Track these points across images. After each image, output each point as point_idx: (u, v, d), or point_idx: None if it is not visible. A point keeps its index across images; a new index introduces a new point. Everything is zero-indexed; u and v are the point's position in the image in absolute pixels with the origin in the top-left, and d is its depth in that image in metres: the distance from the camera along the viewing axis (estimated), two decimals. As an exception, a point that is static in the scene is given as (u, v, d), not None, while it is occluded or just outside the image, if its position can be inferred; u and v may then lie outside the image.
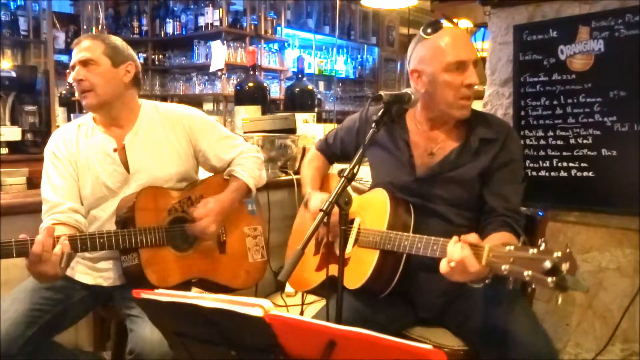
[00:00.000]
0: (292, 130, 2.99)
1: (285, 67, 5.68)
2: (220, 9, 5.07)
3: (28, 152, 4.19)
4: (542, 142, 2.13)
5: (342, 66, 6.82)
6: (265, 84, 3.68)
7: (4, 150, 4.12)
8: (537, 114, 2.14)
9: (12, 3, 4.52)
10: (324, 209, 1.29)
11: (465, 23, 3.53)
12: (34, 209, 1.81)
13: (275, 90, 5.55)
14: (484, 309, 1.54)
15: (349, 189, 1.35)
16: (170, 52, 5.72)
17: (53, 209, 1.72)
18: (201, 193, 1.89)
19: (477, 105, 1.79)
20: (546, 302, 2.21)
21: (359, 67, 7.15)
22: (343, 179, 1.33)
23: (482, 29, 3.23)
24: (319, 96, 6.15)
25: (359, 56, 7.22)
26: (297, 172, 2.68)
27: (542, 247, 1.13)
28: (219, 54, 4.98)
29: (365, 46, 7.21)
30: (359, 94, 7.11)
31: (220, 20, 5.08)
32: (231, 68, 5.23)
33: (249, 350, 0.96)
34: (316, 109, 4.08)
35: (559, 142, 2.09)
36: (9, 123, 4.27)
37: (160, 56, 5.72)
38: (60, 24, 5.07)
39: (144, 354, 1.55)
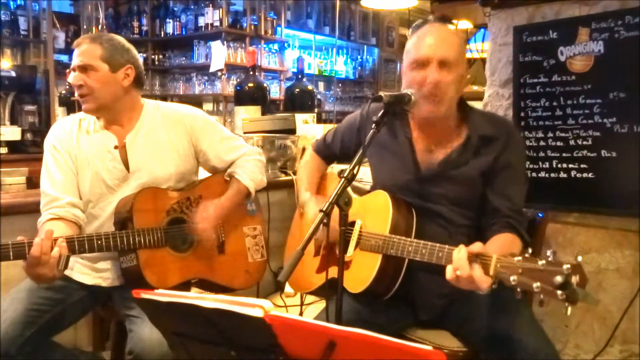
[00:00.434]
0: (292, 131, 2.98)
1: (285, 68, 5.68)
2: (221, 9, 5.07)
3: (27, 151, 4.19)
4: (542, 143, 2.13)
5: (342, 67, 6.82)
6: (265, 85, 3.68)
7: (4, 150, 4.12)
8: (536, 115, 2.14)
9: (12, 3, 4.52)
10: (324, 209, 1.29)
11: (465, 24, 3.53)
12: (34, 209, 1.80)
13: (275, 91, 5.55)
14: (484, 311, 1.53)
15: (349, 189, 1.35)
16: (170, 52, 5.72)
17: (51, 203, 1.72)
18: (200, 194, 1.89)
19: (477, 106, 1.79)
20: (546, 304, 2.21)
21: (359, 68, 7.15)
22: (343, 179, 1.32)
23: (482, 30, 3.23)
24: (318, 97, 6.15)
25: (359, 57, 7.22)
26: (296, 173, 2.68)
27: (551, 258, 1.12)
28: (219, 54, 4.98)
29: (365, 47, 7.22)
30: (359, 94, 7.11)
31: (220, 21, 5.08)
32: (231, 68, 5.23)
33: (249, 351, 0.96)
34: (316, 110, 4.07)
35: (558, 143, 2.10)
36: (9, 123, 4.27)
37: (160, 56, 5.71)
38: (60, 23, 5.07)
39: (143, 354, 1.55)
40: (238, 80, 4.88)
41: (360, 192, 1.82)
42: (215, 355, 1.01)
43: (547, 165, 2.12)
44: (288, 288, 2.63)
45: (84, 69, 1.74)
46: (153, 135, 1.86)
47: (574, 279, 1.07)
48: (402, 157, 1.69)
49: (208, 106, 5.65)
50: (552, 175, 2.11)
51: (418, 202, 1.63)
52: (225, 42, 5.02)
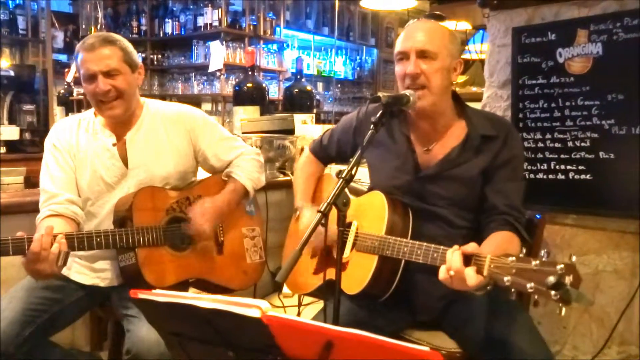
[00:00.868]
0: (291, 131, 2.99)
1: (284, 68, 5.68)
2: (220, 9, 5.07)
3: (26, 151, 4.19)
4: (540, 144, 2.13)
5: (340, 67, 6.83)
6: (263, 85, 3.68)
7: (2, 150, 4.12)
8: (535, 117, 2.14)
9: (10, 2, 4.53)
10: (322, 210, 1.29)
11: (464, 25, 3.54)
12: (32, 209, 1.80)
13: (274, 91, 5.55)
14: (482, 314, 1.53)
15: (346, 190, 1.35)
16: (169, 52, 5.71)
17: (50, 200, 1.72)
18: (199, 193, 1.89)
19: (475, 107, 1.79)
20: (543, 306, 2.20)
21: (358, 68, 7.15)
22: (341, 180, 1.32)
23: (481, 31, 3.24)
24: (317, 97, 6.15)
25: (358, 57, 7.22)
26: (294, 173, 2.68)
27: (545, 258, 1.12)
28: (217, 54, 4.98)
29: (364, 47, 7.22)
30: (358, 95, 7.11)
31: (220, 21, 5.08)
32: (230, 68, 5.22)
33: (247, 351, 0.96)
34: (315, 110, 4.08)
35: (557, 145, 2.10)
36: (7, 122, 4.27)
37: (159, 56, 5.71)
38: (59, 23, 5.07)
39: (141, 354, 1.55)
40: (237, 80, 4.88)
41: (357, 192, 1.82)
42: (213, 356, 1.01)
43: (545, 166, 2.13)
44: (286, 288, 2.63)
45: (108, 74, 1.72)
46: (153, 133, 1.86)
47: (568, 280, 1.07)
48: (400, 157, 1.68)
49: (207, 106, 5.65)
50: (550, 176, 2.12)
51: (416, 203, 1.63)
52: (224, 42, 5.02)
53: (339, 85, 6.87)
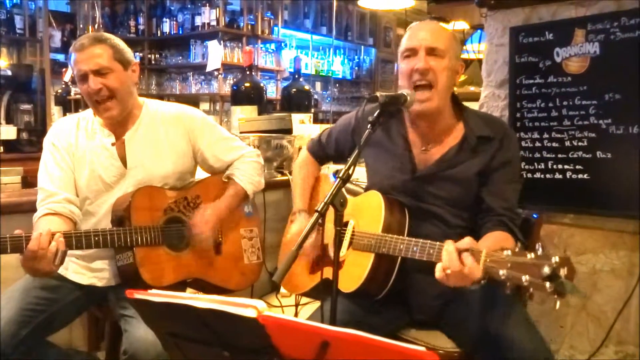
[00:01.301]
0: (289, 131, 2.98)
1: (282, 68, 5.67)
2: (217, 9, 5.07)
3: (23, 150, 4.19)
4: (538, 144, 2.13)
5: (339, 67, 6.83)
6: (261, 84, 3.68)
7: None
8: (532, 116, 2.14)
9: (8, 1, 4.52)
10: (319, 209, 1.29)
11: (461, 25, 3.54)
12: (29, 209, 1.80)
13: (272, 91, 5.55)
14: (480, 312, 1.54)
15: (343, 190, 1.35)
16: (167, 52, 5.71)
17: (48, 198, 1.72)
18: (197, 193, 1.89)
19: (473, 107, 1.79)
20: (541, 304, 2.21)
21: (356, 68, 7.16)
22: (338, 179, 1.32)
23: (479, 30, 3.24)
24: (315, 97, 6.15)
25: (356, 57, 7.23)
26: (292, 173, 2.68)
27: (540, 252, 1.12)
28: (215, 53, 4.98)
29: (362, 47, 7.22)
30: (356, 94, 7.12)
31: (217, 20, 5.07)
32: (228, 68, 5.22)
33: (243, 351, 0.96)
34: (313, 110, 4.08)
35: (554, 145, 2.10)
36: (4, 122, 4.26)
37: (157, 55, 5.71)
38: (57, 22, 5.07)
39: (138, 355, 1.55)
40: (235, 79, 4.88)
41: (354, 193, 1.82)
42: (209, 356, 1.01)
43: (542, 166, 2.13)
44: (284, 288, 2.63)
45: (99, 72, 1.71)
46: (152, 133, 1.86)
47: (562, 272, 1.08)
48: (398, 156, 1.69)
49: (205, 106, 5.65)
50: (548, 176, 2.12)
51: (413, 203, 1.63)
52: (222, 42, 5.01)
53: (337, 85, 6.87)
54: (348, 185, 1.38)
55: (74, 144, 1.81)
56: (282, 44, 5.76)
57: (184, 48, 5.50)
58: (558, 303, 1.11)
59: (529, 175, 2.15)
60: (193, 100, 5.48)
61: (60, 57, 5.14)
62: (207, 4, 5.12)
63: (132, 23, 5.51)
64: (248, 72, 3.66)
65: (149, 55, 5.64)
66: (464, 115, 1.66)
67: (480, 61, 2.40)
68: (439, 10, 2.97)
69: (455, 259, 1.27)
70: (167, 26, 5.48)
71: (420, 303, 1.64)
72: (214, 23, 5.10)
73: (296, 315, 2.40)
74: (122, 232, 1.67)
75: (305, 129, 3.20)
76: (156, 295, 0.99)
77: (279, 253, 1.99)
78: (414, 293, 1.63)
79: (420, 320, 1.66)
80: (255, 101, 3.41)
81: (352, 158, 1.37)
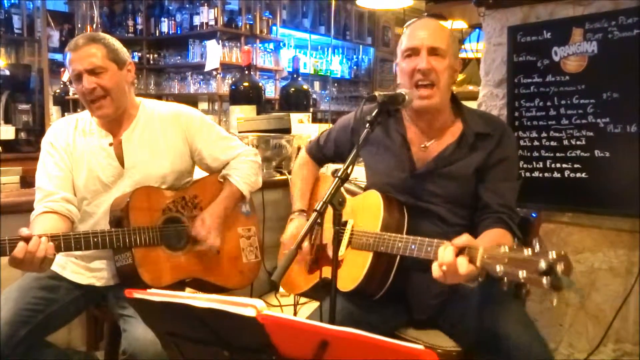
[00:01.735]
0: (287, 130, 2.99)
1: (280, 67, 5.67)
2: (216, 8, 5.07)
3: (21, 150, 4.18)
4: (536, 143, 2.14)
5: (337, 66, 6.83)
6: (260, 84, 3.68)
7: (-2, 149, 4.11)
8: (530, 115, 2.15)
9: (6, 1, 4.51)
10: (318, 209, 1.29)
11: (459, 24, 3.55)
12: (27, 209, 1.79)
13: (271, 90, 5.55)
14: (478, 311, 1.54)
15: (341, 189, 1.35)
16: (165, 51, 5.71)
17: (46, 197, 1.72)
18: (195, 193, 1.89)
19: (471, 106, 1.80)
20: (539, 303, 2.22)
21: (355, 67, 7.15)
22: (337, 179, 1.32)
23: (477, 30, 3.24)
24: (314, 96, 6.15)
25: (355, 56, 7.22)
26: (291, 172, 2.68)
27: (537, 248, 1.13)
28: (214, 53, 4.98)
29: (361, 46, 7.22)
30: (354, 94, 7.12)
31: (216, 20, 5.07)
32: (226, 67, 5.22)
33: (242, 351, 0.96)
34: (311, 109, 4.08)
35: (552, 143, 2.10)
36: (3, 122, 4.26)
37: (155, 55, 5.70)
38: (55, 22, 5.06)
39: (137, 354, 1.55)
40: (233, 79, 4.87)
41: (353, 194, 1.82)
42: (208, 355, 1.01)
43: (540, 165, 2.13)
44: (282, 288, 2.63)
45: (93, 71, 1.71)
46: (149, 133, 1.86)
47: (559, 267, 1.08)
48: (396, 155, 1.69)
49: (203, 105, 5.64)
50: (546, 175, 2.12)
51: (412, 201, 1.64)
52: (220, 41, 5.01)
53: (335, 84, 6.87)
54: (347, 185, 1.39)
55: (71, 145, 1.81)
56: (281, 44, 5.75)
57: (183, 48, 5.50)
58: (555, 300, 1.11)
59: (528, 174, 2.15)
60: (192, 100, 5.47)
61: (59, 57, 5.13)
62: (206, 4, 5.12)
63: (130, 23, 5.51)
64: (246, 72, 3.66)
65: (147, 55, 5.63)
66: (462, 113, 1.66)
67: (478, 60, 2.40)
68: (437, 10, 2.97)
69: (451, 256, 1.27)
70: (165, 26, 5.48)
71: (419, 302, 1.64)
72: (212, 23, 5.10)
73: (295, 314, 2.40)
74: (120, 233, 1.67)
75: (304, 128, 3.20)
76: (155, 295, 0.99)
77: (279, 252, 1.99)
78: (412, 292, 1.64)
79: (419, 319, 1.67)
80: (253, 101, 3.41)
81: (351, 157, 1.37)
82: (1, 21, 4.41)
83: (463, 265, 1.25)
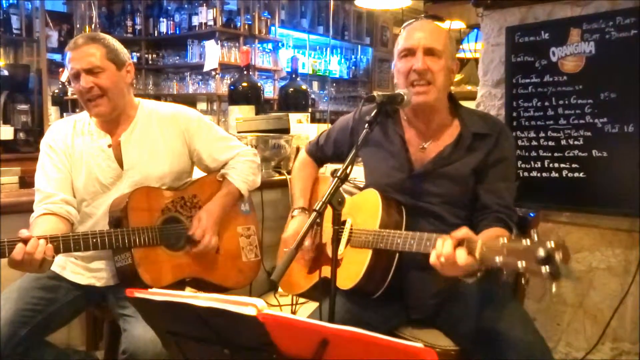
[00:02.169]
0: (286, 130, 2.99)
1: (279, 67, 5.67)
2: (214, 9, 5.06)
3: (20, 151, 4.18)
4: (534, 143, 2.15)
5: (336, 66, 6.83)
6: (259, 84, 3.68)
7: (-4, 149, 4.11)
8: (528, 115, 2.15)
9: (4, 1, 4.50)
10: (318, 209, 1.30)
11: (458, 24, 3.55)
12: (26, 209, 1.80)
13: (269, 90, 5.55)
14: (477, 310, 1.54)
15: (340, 189, 1.35)
16: (164, 52, 5.70)
17: (45, 199, 1.73)
18: (194, 193, 1.90)
19: (469, 106, 1.80)
20: (537, 302, 2.23)
21: (353, 67, 7.15)
22: (336, 179, 1.33)
23: (475, 30, 3.25)
24: (312, 96, 6.15)
25: (353, 56, 7.22)
26: (290, 172, 2.68)
27: (535, 238, 1.13)
28: (212, 53, 4.98)
29: (359, 46, 7.22)
30: (353, 94, 7.12)
31: (214, 20, 5.07)
32: (225, 68, 5.22)
33: (243, 349, 0.96)
34: (310, 109, 4.08)
35: (550, 143, 2.11)
36: (1, 122, 4.26)
37: (154, 55, 5.69)
38: (53, 22, 5.05)
39: (137, 354, 1.55)
40: (232, 79, 4.87)
41: (351, 194, 1.83)
42: (209, 354, 1.02)
43: (538, 164, 2.14)
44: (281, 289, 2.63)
45: (91, 71, 1.72)
46: (148, 134, 1.86)
47: (558, 256, 1.08)
48: (395, 155, 1.70)
49: (202, 105, 5.64)
50: (544, 174, 2.13)
51: (411, 201, 1.64)
52: (219, 42, 5.01)
53: (334, 84, 6.87)
54: (345, 186, 1.39)
55: (70, 146, 1.81)
56: (279, 44, 5.75)
57: (181, 48, 5.50)
58: (554, 288, 1.11)
59: (526, 174, 2.16)
60: (190, 100, 5.47)
61: (57, 57, 5.12)
62: (204, 4, 5.12)
63: (129, 23, 5.50)
64: (245, 72, 3.66)
65: (146, 55, 5.63)
66: (460, 113, 1.67)
67: (476, 60, 2.41)
68: (435, 10, 2.98)
69: (450, 248, 1.27)
70: (164, 26, 5.47)
71: (418, 301, 1.65)
72: (211, 23, 5.09)
73: (294, 313, 2.40)
74: (120, 233, 1.67)
75: (303, 128, 3.21)
76: (156, 294, 1.00)
77: (278, 251, 1.99)
78: (411, 291, 1.64)
79: (417, 318, 1.67)
80: (252, 101, 3.41)
81: (350, 157, 1.37)
82: (0, 21, 4.41)
83: (462, 256, 1.25)
